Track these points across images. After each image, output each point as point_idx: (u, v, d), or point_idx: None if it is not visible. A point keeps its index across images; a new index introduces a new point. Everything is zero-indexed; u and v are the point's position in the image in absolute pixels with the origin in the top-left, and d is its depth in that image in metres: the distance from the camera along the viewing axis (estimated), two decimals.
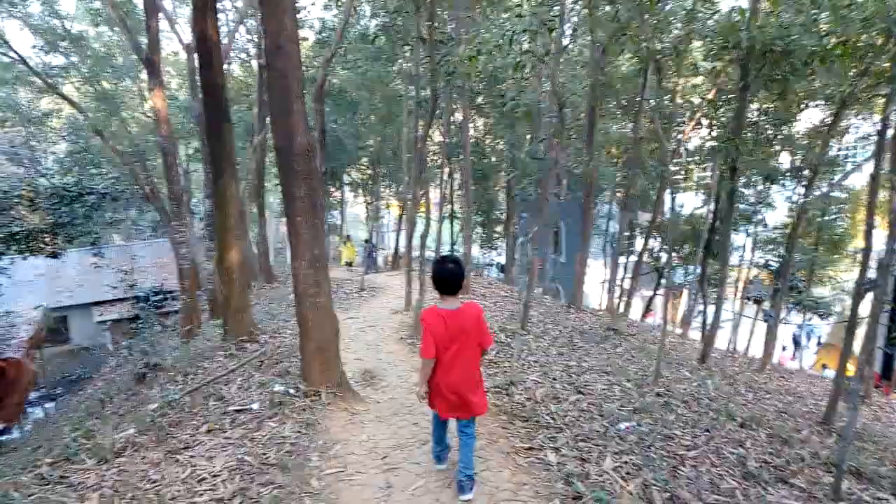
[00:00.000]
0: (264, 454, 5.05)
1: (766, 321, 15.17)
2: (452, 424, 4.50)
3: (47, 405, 20.13)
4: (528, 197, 19.43)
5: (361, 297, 14.02)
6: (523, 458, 4.84)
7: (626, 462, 5.00)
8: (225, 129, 9.36)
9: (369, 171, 27.65)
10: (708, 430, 6.61)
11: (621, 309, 20.22)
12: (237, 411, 6.61)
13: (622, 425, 6.31)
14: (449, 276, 4.17)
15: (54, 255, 19.78)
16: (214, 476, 4.69)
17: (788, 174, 16.97)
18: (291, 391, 6.24)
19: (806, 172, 16.77)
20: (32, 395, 21.25)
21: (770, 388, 10.48)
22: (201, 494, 4.39)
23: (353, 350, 9.17)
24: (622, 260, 26.42)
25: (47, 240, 19.49)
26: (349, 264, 21.42)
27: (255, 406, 6.54)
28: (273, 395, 6.41)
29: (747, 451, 6.14)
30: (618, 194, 22.12)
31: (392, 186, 29.52)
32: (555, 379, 8.04)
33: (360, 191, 31.43)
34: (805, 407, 9.64)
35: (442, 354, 4.12)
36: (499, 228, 27.55)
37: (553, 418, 6.14)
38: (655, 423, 6.62)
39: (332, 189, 29.62)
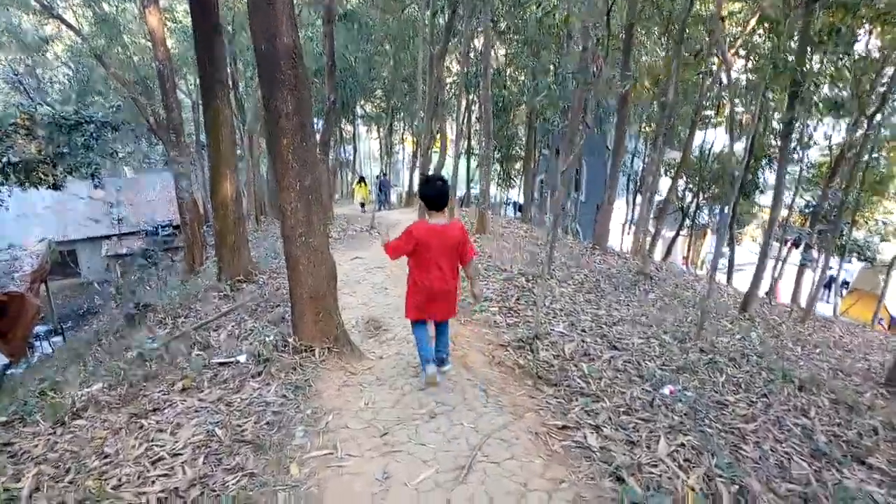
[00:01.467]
0: (240, 426, 4.10)
1: (803, 264, 13.97)
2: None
3: (54, 339, 19.63)
4: (551, 129, 18.06)
5: (371, 235, 12.99)
6: (557, 440, 3.83)
7: (682, 445, 3.99)
8: (215, 41, 8.15)
9: (383, 104, 26.13)
10: (765, 396, 5.59)
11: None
12: (221, 364, 5.69)
13: (665, 389, 5.32)
14: (437, 193, 4.47)
15: (55, 187, 18.85)
16: (174, 455, 3.76)
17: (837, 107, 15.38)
18: (280, 346, 5.26)
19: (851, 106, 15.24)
20: (40, 329, 20.79)
21: (816, 340, 9.42)
22: (153, 482, 3.45)
23: (358, 294, 8.18)
24: (633, 200, 25.17)
25: (47, 171, 18.53)
26: (363, 205, 20.34)
27: (241, 359, 5.62)
28: (263, 346, 5.45)
29: (812, 421, 5.14)
30: (646, 128, 20.62)
31: (407, 120, 28.06)
32: (584, 331, 7.04)
33: (374, 125, 29.99)
34: (859, 363, 8.59)
35: (424, 263, 4.48)
36: (517, 165, 26.21)
37: (586, 381, 5.14)
38: (703, 385, 5.62)
39: (345, 123, 28.24)
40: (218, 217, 8.86)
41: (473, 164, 26.45)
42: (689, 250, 23.94)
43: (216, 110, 8.42)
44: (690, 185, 22.87)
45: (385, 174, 26.20)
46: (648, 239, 11.58)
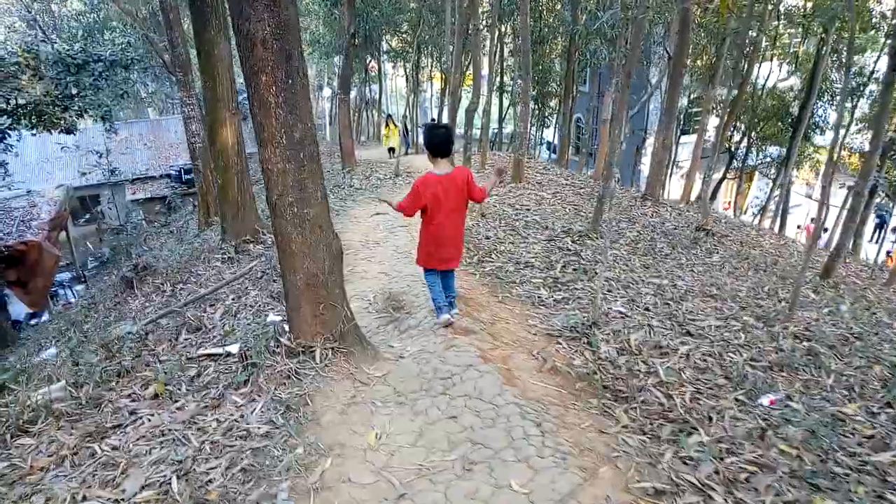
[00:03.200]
0: (206, 475, 2.98)
1: (879, 218, 12.33)
2: None
3: (77, 287, 18.99)
4: (594, 62, 16.26)
5: (395, 184, 11.68)
6: None
7: None
8: None
9: (409, 38, 24.27)
10: (890, 405, 4.31)
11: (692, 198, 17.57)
12: (208, 356, 4.60)
13: (764, 399, 4.09)
14: (441, 139, 4.50)
15: (68, 131, 17.79)
16: None
17: None
18: (273, 346, 4.09)
19: None
20: (64, 277, 20.20)
21: None
22: None
23: (376, 260, 6.97)
24: (685, 140, 23.25)
25: (58, 114, 17.42)
26: (392, 150, 17.90)
27: (233, 349, 4.51)
28: (255, 340, 4.32)
29: None
30: (697, 62, 18.61)
31: (435, 55, 26.20)
32: (647, 310, 5.79)
33: (400, 61, 28.15)
34: None
35: (436, 213, 4.47)
36: (552, 103, 24.36)
37: (667, 394, 3.91)
38: (808, 390, 4.36)
39: (369, 59, 26.50)
40: (218, 169, 7.67)
41: (505, 102, 24.67)
42: (736, 195, 22.19)
43: (209, 43, 7.10)
44: (738, 124, 20.93)
45: (408, 118, 24.45)
46: (705, 187, 10.06)
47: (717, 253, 8.47)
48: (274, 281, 6.47)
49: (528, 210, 9.45)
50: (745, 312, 5.93)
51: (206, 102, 7.44)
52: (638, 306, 5.83)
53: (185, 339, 5.37)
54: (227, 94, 7.39)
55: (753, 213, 23.03)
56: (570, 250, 7.36)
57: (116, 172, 18.65)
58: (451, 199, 4.48)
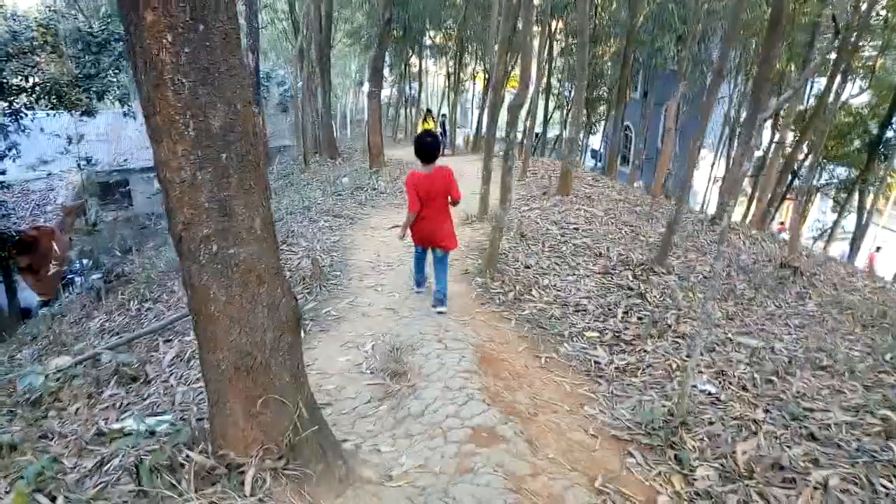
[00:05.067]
0: None
1: None
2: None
3: (94, 276, 17.91)
4: (663, 63, 14.44)
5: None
6: None
7: None
8: None
9: (452, 33, 22.69)
10: None
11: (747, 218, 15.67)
12: (122, 433, 3.16)
13: None
14: (427, 148, 4.91)
15: (88, 113, 16.66)
16: None
17: None
18: (183, 459, 2.54)
19: None
20: (85, 263, 19.22)
21: None
22: None
23: (386, 290, 5.45)
24: (736, 155, 21.16)
25: (78, 94, 16.28)
26: None
27: (165, 420, 3.06)
28: (171, 436, 2.83)
29: None
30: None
31: (479, 52, 24.58)
32: (744, 388, 4.12)
33: (443, 58, 26.59)
34: None
35: (422, 207, 4.88)
36: (601, 109, 22.52)
37: None
38: None
39: (410, 54, 25.01)
40: None
41: (550, 105, 22.90)
42: (800, 216, 20.05)
43: None
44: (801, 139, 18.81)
45: (444, 116, 22.73)
46: (795, 215, 8.26)
47: (810, 298, 6.69)
48: None
49: (577, 230, 7.79)
50: (877, 398, 4.21)
51: None
52: (730, 382, 4.16)
53: (111, 397, 3.91)
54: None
55: (813, 238, 20.87)
56: (631, 289, 5.70)
57: (92, 162, 17.34)
58: (433, 195, 4.88)
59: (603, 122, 24.51)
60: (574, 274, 6.03)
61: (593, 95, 19.74)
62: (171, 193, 2.07)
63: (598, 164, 26.29)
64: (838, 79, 8.91)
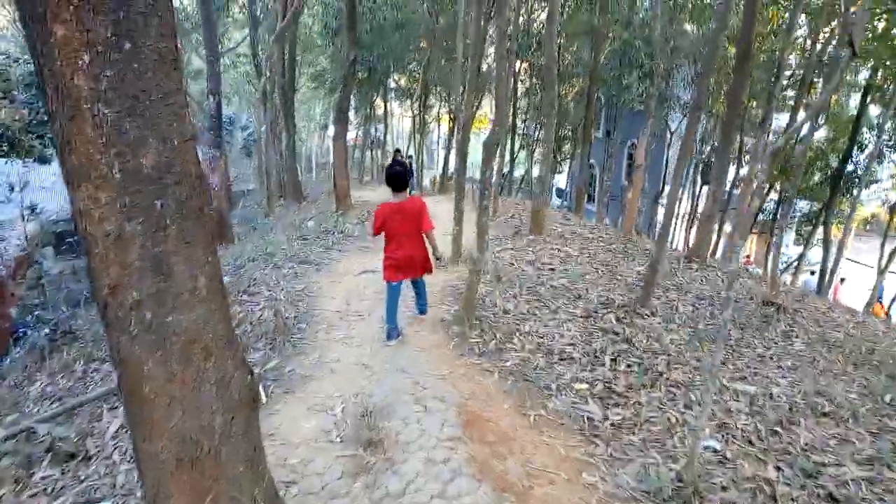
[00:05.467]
0: None
1: None
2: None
3: (38, 333, 16.94)
4: (629, 103, 14.47)
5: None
6: None
7: None
8: None
9: (417, 76, 22.69)
10: None
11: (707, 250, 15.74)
12: None
13: None
14: (396, 175, 4.98)
15: (42, 160, 16.08)
16: None
17: None
18: None
19: None
20: (34, 317, 18.23)
21: None
22: None
23: (356, 342, 5.02)
24: (697, 192, 21.41)
25: (32, 141, 15.71)
26: None
27: None
28: None
29: None
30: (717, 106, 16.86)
31: (443, 94, 24.65)
32: (750, 442, 3.80)
33: (407, 100, 26.59)
34: None
35: (393, 236, 4.98)
36: (565, 147, 22.66)
37: None
38: None
39: (374, 97, 24.92)
40: None
41: (516, 145, 22.93)
42: (766, 250, 20.31)
43: None
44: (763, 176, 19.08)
45: (405, 155, 22.55)
46: (774, 251, 8.12)
47: (797, 337, 6.46)
48: None
49: (553, 270, 7.49)
50: (887, 447, 3.92)
51: None
52: (734, 436, 3.83)
53: (44, 479, 3.38)
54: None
55: (780, 271, 21.04)
56: (616, 334, 5.38)
57: (37, 210, 16.67)
58: (405, 224, 4.94)
59: (568, 161, 24.66)
60: (555, 318, 5.69)
61: (559, 134, 19.82)
62: (93, 251, 1.66)
63: (564, 203, 26.36)
64: (803, 114, 8.93)
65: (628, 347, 5.13)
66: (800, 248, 21.39)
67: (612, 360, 4.82)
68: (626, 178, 23.32)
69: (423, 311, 5.54)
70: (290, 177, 18.90)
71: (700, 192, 20.56)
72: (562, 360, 4.80)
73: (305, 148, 38.49)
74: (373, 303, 5.96)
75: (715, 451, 3.62)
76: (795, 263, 18.37)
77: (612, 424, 3.79)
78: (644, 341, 5.30)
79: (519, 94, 20.59)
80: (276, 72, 16.83)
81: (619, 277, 7.56)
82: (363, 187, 21.50)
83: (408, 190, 5.37)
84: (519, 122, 22.48)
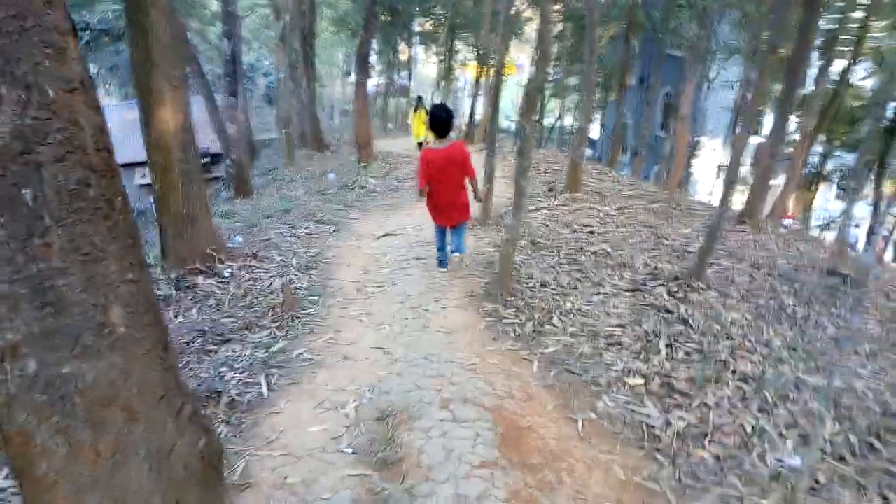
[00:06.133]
0: None
1: None
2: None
3: None
4: (678, 47, 13.30)
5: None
6: None
7: None
8: None
9: (443, 20, 21.47)
10: None
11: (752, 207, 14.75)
12: None
13: None
14: (442, 120, 4.85)
15: None
16: None
17: None
18: None
19: None
20: None
21: None
22: None
23: (374, 322, 4.39)
24: (744, 142, 20.13)
25: None
26: (420, 144, 13.81)
27: None
28: None
29: None
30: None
31: (470, 41, 23.43)
32: (842, 458, 3.14)
33: (432, 45, 25.39)
34: None
35: (437, 182, 4.87)
36: (597, 96, 21.46)
37: None
38: None
39: (398, 42, 23.81)
40: (154, 167, 5.14)
41: (546, 93, 21.77)
42: (807, 205, 19.18)
43: None
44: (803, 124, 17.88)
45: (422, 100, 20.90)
46: (845, 220, 7.26)
47: (869, 314, 5.72)
48: (229, 338, 3.99)
49: (593, 234, 6.77)
50: None
51: (134, 67, 4.90)
52: (822, 450, 3.16)
53: None
54: (166, 55, 4.85)
55: (819, 227, 19.95)
56: (669, 312, 4.69)
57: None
58: (449, 171, 4.84)
59: (600, 111, 23.47)
60: (599, 293, 5.01)
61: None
62: None
63: (595, 154, 25.26)
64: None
65: (684, 329, 4.44)
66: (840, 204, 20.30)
67: (667, 346, 4.15)
68: (663, 129, 22.11)
69: (459, 250, 5.30)
70: (311, 125, 18.15)
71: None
72: (609, 345, 4.14)
73: (328, 95, 37.51)
74: (393, 272, 5.32)
75: (799, 471, 2.97)
76: (840, 220, 17.31)
77: (676, 434, 3.15)
78: (702, 321, 4.61)
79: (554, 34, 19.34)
80: (294, 14, 15.88)
81: (666, 242, 6.80)
82: (386, 136, 20.71)
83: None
84: (549, 69, 21.28)
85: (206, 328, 4.26)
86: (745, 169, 21.52)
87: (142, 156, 16.14)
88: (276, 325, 4.31)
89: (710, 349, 4.15)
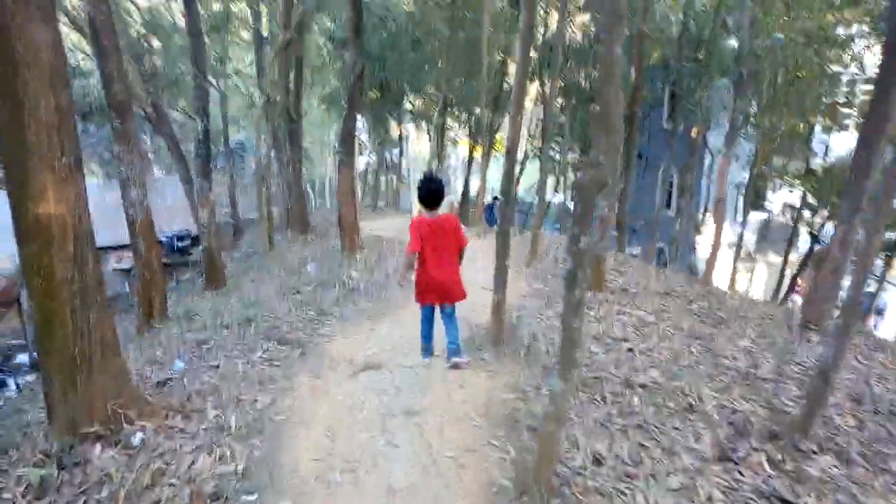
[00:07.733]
0: None
1: None
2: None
3: (28, 378, 14.84)
4: (707, 120, 12.26)
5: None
6: None
7: None
8: None
9: (435, 98, 20.57)
10: None
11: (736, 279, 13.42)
12: None
13: None
14: (432, 192, 4.64)
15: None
16: None
17: None
18: None
19: None
20: (22, 360, 16.22)
21: None
22: None
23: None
24: (742, 218, 19.00)
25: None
26: None
27: None
28: None
29: None
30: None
31: (461, 117, 22.57)
32: None
33: (424, 123, 24.52)
34: None
35: (428, 253, 4.62)
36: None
37: None
38: None
39: (392, 121, 22.90)
40: (32, 283, 3.56)
41: (535, 168, 20.67)
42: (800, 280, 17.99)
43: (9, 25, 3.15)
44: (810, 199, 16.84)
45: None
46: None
47: None
48: None
49: (633, 352, 5.18)
50: None
51: (5, 146, 3.39)
52: None
53: None
54: (49, 133, 3.35)
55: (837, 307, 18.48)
56: (783, 502, 3.05)
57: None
58: (440, 241, 4.63)
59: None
60: (676, 468, 3.35)
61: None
62: None
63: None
64: None
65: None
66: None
67: None
68: (668, 207, 20.93)
69: (455, 350, 4.72)
70: (297, 206, 16.84)
71: (746, 220, 18.18)
72: None
73: (318, 174, 36.62)
74: (373, 438, 3.62)
75: None
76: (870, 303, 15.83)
77: None
78: None
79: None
80: (279, 91, 14.79)
81: (727, 363, 5.19)
82: (376, 216, 19.37)
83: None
84: (539, 144, 20.33)
85: None
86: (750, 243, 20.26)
87: (119, 238, 14.13)
88: None
89: None
